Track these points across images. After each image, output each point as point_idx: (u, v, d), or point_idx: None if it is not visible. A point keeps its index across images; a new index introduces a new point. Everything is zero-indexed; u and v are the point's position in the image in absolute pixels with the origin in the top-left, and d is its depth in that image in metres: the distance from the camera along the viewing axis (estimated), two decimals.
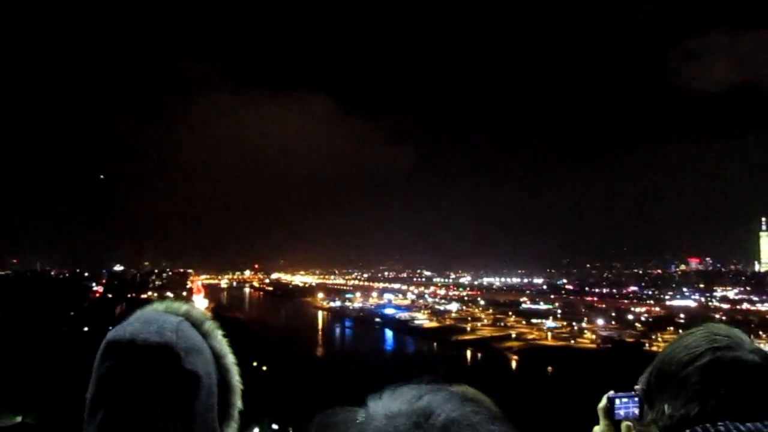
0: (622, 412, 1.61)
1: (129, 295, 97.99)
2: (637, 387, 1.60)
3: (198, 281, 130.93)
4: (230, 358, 1.35)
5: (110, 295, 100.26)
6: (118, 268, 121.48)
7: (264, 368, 54.23)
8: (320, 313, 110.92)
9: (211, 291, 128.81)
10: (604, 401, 1.64)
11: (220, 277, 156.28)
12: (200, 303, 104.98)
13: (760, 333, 71.89)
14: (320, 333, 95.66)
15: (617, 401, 1.61)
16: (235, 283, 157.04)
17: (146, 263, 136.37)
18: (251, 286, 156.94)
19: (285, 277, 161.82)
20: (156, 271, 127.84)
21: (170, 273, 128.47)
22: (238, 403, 1.37)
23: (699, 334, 1.47)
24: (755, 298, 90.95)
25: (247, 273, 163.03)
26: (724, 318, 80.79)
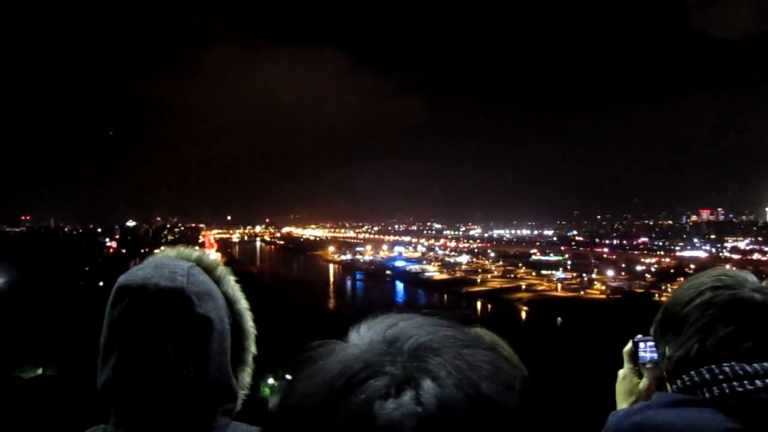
0: (647, 355, 1.61)
1: (142, 250, 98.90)
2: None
3: (210, 236, 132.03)
4: (243, 304, 1.35)
5: (124, 251, 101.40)
6: (131, 223, 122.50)
7: (277, 320, 55.09)
8: (331, 267, 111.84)
9: (222, 245, 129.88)
10: (629, 345, 1.65)
11: (231, 232, 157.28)
12: (212, 256, 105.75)
13: None
14: (331, 286, 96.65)
15: (642, 345, 1.62)
16: (246, 238, 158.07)
17: (158, 218, 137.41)
18: (262, 240, 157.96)
19: (296, 231, 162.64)
20: (168, 226, 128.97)
21: (182, 228, 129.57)
22: (252, 348, 1.36)
23: (705, 275, 1.43)
24: (767, 249, 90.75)
25: (259, 227, 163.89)
26: (734, 269, 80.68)
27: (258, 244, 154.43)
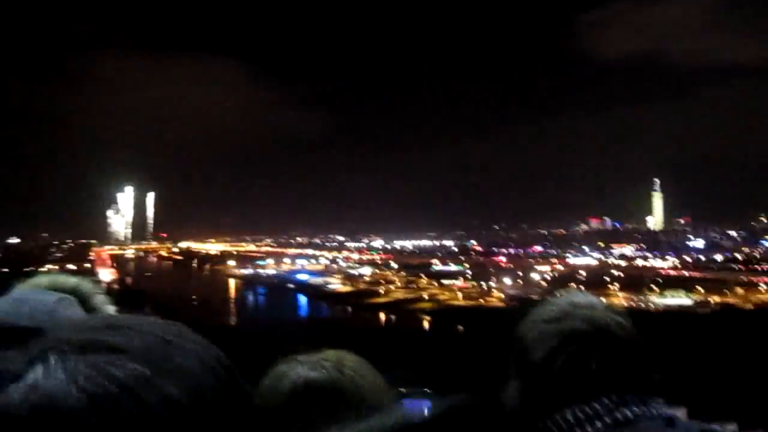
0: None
1: (26, 269, 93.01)
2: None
3: (102, 252, 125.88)
4: None
5: (6, 270, 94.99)
6: (14, 240, 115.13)
7: None
8: (232, 281, 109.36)
9: (116, 262, 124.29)
10: None
11: (125, 248, 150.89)
12: (105, 275, 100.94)
13: (653, 287, 76.83)
14: (233, 301, 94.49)
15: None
16: (142, 254, 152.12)
17: (44, 234, 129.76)
18: (159, 256, 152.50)
19: (194, 246, 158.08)
20: (56, 242, 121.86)
21: (71, 244, 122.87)
22: None
23: (542, 308, 1.43)
24: (649, 255, 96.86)
25: (154, 243, 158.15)
26: (621, 274, 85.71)
27: (154, 259, 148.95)
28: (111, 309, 1.23)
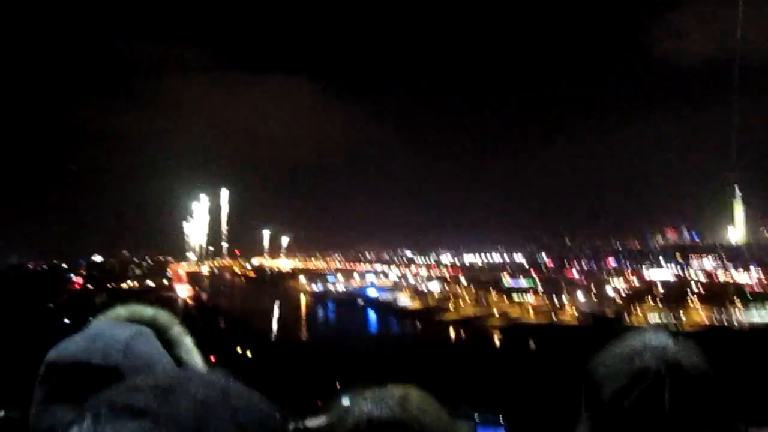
0: None
1: (109, 285, 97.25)
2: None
3: (179, 269, 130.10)
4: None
5: (90, 286, 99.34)
6: (98, 258, 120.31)
7: (248, 354, 54.22)
8: (303, 297, 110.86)
9: (192, 278, 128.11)
10: None
11: (200, 264, 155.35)
12: (182, 291, 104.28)
13: (737, 301, 73.21)
14: (303, 317, 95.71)
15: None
16: (216, 270, 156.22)
17: (125, 252, 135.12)
18: (232, 273, 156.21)
19: (266, 262, 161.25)
20: (135, 259, 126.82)
21: (150, 261, 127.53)
22: None
23: (616, 345, 1.40)
24: (732, 266, 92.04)
25: (228, 260, 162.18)
26: (701, 288, 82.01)
27: (228, 276, 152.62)
28: (188, 341, 1.22)
